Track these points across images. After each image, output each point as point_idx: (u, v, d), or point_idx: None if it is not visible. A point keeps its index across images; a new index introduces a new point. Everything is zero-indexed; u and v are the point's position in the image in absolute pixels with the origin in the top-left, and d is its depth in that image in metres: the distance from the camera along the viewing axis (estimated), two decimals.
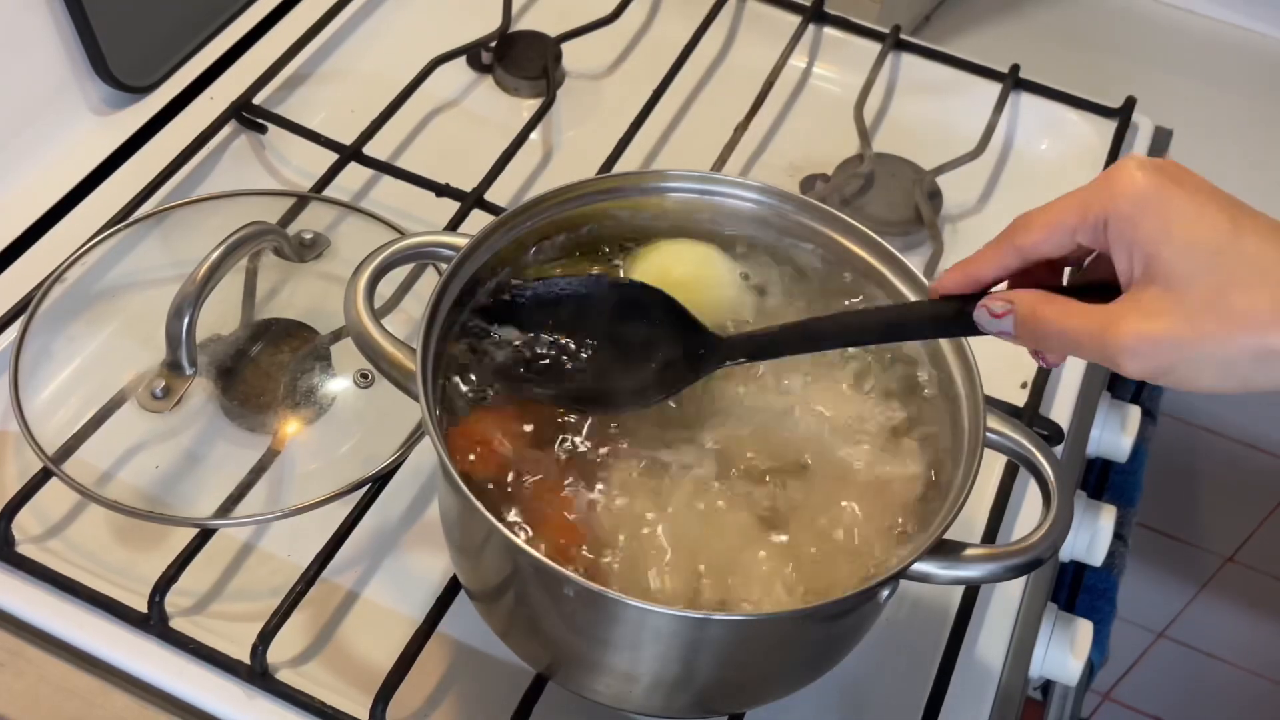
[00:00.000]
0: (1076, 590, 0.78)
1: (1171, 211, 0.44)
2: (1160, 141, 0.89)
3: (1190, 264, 0.43)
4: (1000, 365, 0.73)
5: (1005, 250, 0.49)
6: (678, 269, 0.60)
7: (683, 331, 0.56)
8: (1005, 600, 0.67)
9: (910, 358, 0.58)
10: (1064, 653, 0.68)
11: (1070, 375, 0.76)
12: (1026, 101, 0.89)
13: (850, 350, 0.58)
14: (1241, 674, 1.34)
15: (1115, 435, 0.78)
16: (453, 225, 0.76)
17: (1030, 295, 0.48)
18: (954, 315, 0.50)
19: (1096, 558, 0.73)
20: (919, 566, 0.51)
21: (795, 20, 0.91)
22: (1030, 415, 0.71)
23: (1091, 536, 0.73)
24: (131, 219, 0.73)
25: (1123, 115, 0.87)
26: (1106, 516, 0.73)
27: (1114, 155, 0.85)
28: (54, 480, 0.63)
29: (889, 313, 0.56)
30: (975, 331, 0.50)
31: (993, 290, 0.50)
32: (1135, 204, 0.44)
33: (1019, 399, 0.72)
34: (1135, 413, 0.79)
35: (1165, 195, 0.44)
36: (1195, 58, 1.09)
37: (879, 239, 0.59)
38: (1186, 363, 0.43)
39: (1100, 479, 0.85)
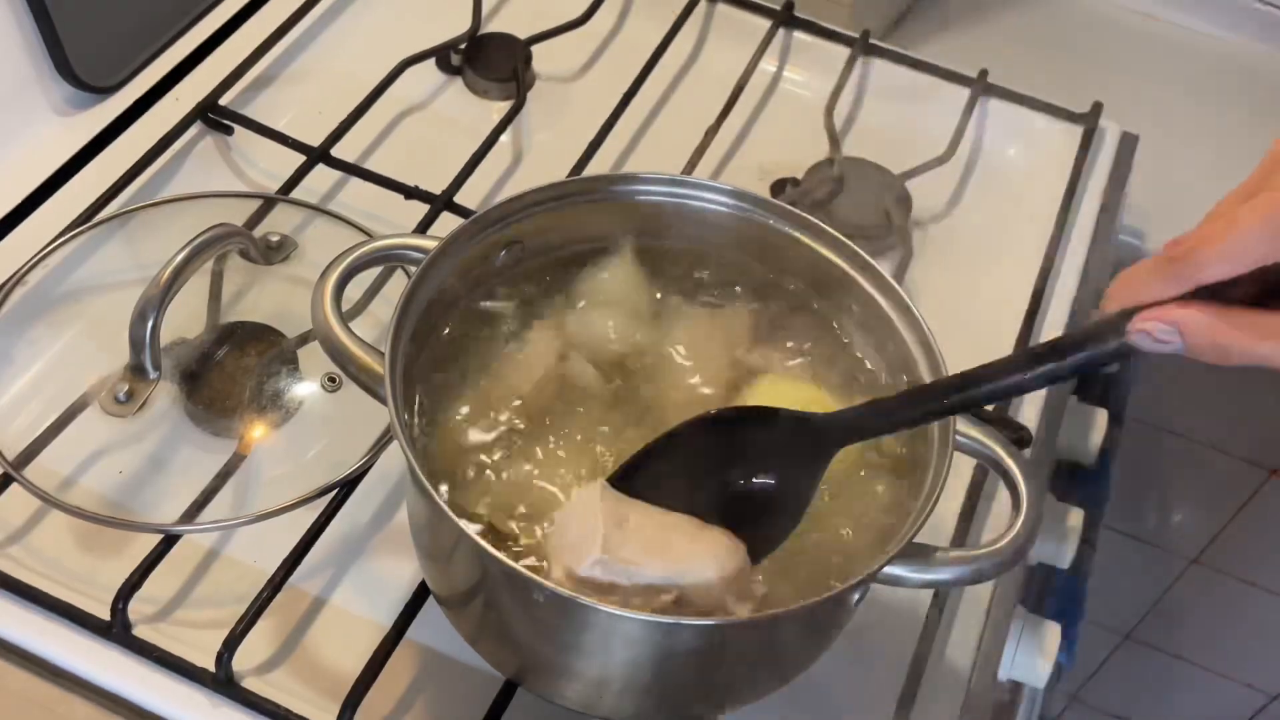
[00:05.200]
0: (1045, 593, 0.79)
1: None
2: (1126, 147, 0.90)
3: None
4: None
5: (1174, 281, 0.42)
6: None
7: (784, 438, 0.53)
8: (974, 603, 0.67)
9: (877, 363, 0.59)
10: (1032, 655, 0.68)
11: None
12: (995, 106, 0.89)
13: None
14: (1207, 676, 1.35)
15: (1083, 438, 0.79)
16: (422, 228, 0.75)
17: (1201, 316, 0.41)
18: (1111, 338, 0.44)
19: (1064, 561, 0.74)
20: (890, 570, 0.51)
21: (766, 24, 0.91)
22: (999, 419, 0.71)
23: (1059, 539, 0.73)
24: (95, 221, 0.73)
25: (1089, 120, 0.88)
26: (1074, 519, 0.74)
27: (1080, 160, 0.86)
28: (15, 486, 0.62)
29: (1032, 353, 0.47)
30: (1128, 355, 0.43)
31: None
32: None
33: None
34: (1102, 416, 0.80)
35: None
36: (1161, 63, 1.10)
37: (850, 243, 0.59)
38: None
39: (1068, 482, 0.86)
